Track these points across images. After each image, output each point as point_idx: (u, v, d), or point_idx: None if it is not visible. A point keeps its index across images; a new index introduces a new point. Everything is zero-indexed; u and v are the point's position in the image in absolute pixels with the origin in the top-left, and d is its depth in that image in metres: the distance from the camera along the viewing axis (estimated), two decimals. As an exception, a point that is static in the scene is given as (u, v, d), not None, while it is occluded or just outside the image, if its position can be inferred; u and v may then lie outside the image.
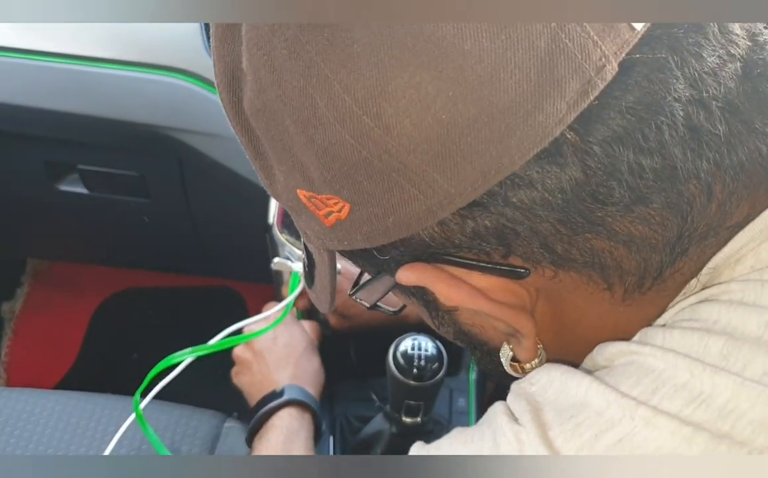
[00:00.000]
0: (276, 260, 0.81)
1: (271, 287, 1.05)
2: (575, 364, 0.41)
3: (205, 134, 0.91)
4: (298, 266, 0.79)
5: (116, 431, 0.77)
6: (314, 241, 0.40)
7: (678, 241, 0.35)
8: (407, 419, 0.81)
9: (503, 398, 0.42)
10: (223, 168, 0.92)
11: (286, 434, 0.77)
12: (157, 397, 0.74)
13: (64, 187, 1.09)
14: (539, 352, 0.41)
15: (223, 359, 0.83)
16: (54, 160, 1.06)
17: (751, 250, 0.36)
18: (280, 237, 0.80)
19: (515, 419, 0.38)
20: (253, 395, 0.82)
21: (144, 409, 0.74)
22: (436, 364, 0.77)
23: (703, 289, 0.37)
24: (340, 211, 0.36)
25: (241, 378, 0.86)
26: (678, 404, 0.33)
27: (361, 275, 0.46)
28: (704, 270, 0.37)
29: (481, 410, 1.00)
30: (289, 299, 0.78)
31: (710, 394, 0.32)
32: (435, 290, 0.37)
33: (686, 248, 0.35)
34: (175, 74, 0.89)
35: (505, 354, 0.42)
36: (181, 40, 0.90)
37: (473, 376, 1.02)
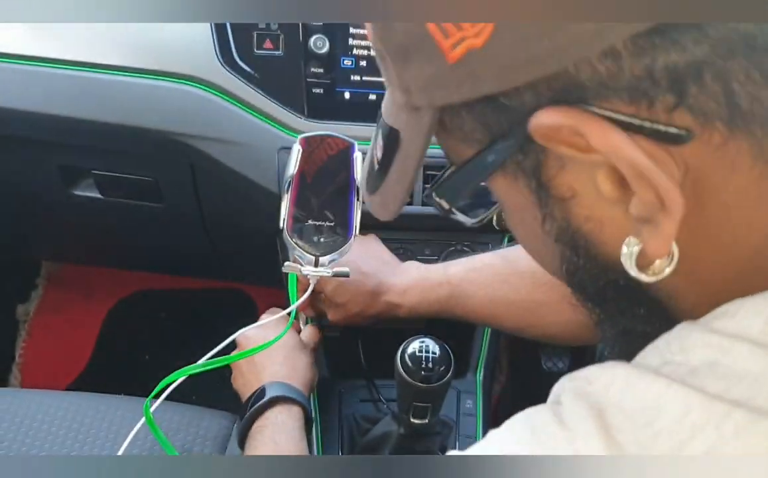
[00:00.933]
0: (286, 264, 0.82)
1: (281, 290, 1.07)
2: (698, 291, 0.36)
3: (217, 140, 0.92)
4: (308, 270, 0.80)
5: (128, 433, 0.78)
6: (418, 96, 0.35)
7: None
8: (415, 421, 0.82)
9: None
10: (235, 173, 0.93)
11: (271, 431, 0.77)
12: (168, 398, 0.76)
13: (78, 192, 1.10)
14: (672, 252, 0.34)
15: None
16: (69, 165, 1.07)
17: None
18: (291, 241, 0.81)
19: (566, 425, 0.33)
20: (245, 397, 0.83)
21: (155, 410, 0.75)
22: (444, 366, 0.78)
23: None
24: (477, 35, 0.30)
25: (235, 382, 0.87)
26: None
27: (443, 173, 0.40)
28: None
29: (489, 411, 1.01)
30: (297, 303, 0.79)
31: None
32: (586, 132, 0.30)
33: None
34: (189, 82, 0.91)
35: (630, 251, 0.34)
36: (194, 49, 0.91)
37: (480, 377, 1.03)
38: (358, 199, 0.82)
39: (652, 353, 0.35)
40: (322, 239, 0.81)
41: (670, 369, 0.32)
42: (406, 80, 0.36)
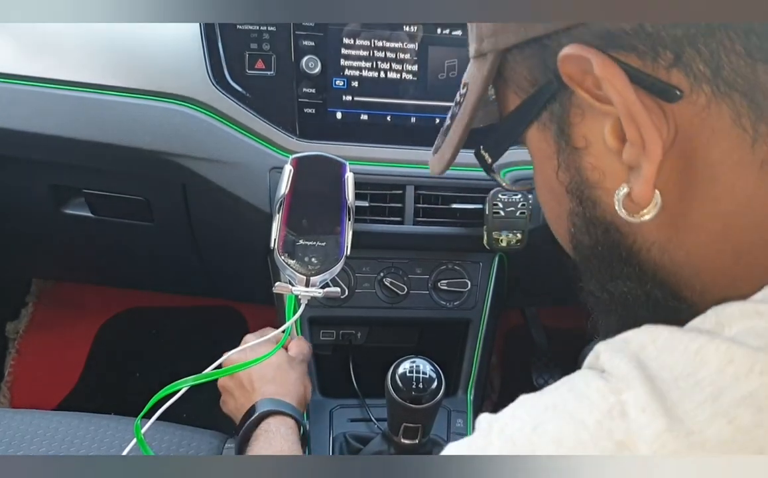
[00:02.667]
0: (277, 283, 0.82)
1: (271, 308, 1.07)
2: (688, 243, 0.40)
3: (209, 160, 0.92)
4: (298, 290, 0.80)
5: (119, 453, 0.78)
6: (486, 42, 0.43)
7: None
8: (405, 441, 0.82)
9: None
10: (226, 193, 0.94)
11: (265, 438, 0.78)
12: (158, 419, 0.75)
13: (69, 211, 1.10)
14: (656, 200, 0.39)
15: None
16: (60, 184, 1.07)
17: None
18: (282, 261, 0.81)
19: (610, 377, 0.34)
20: (238, 419, 0.83)
21: (146, 431, 0.75)
22: (434, 386, 0.78)
23: None
24: None
25: (227, 406, 0.88)
26: None
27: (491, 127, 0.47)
28: None
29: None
30: (288, 323, 0.79)
31: None
32: (595, 63, 0.36)
33: None
34: (181, 102, 0.91)
35: (620, 194, 0.40)
36: (186, 69, 0.92)
37: (471, 397, 1.03)
38: (349, 219, 0.83)
39: (694, 322, 0.37)
40: (313, 259, 0.81)
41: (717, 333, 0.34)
42: (481, 30, 0.44)
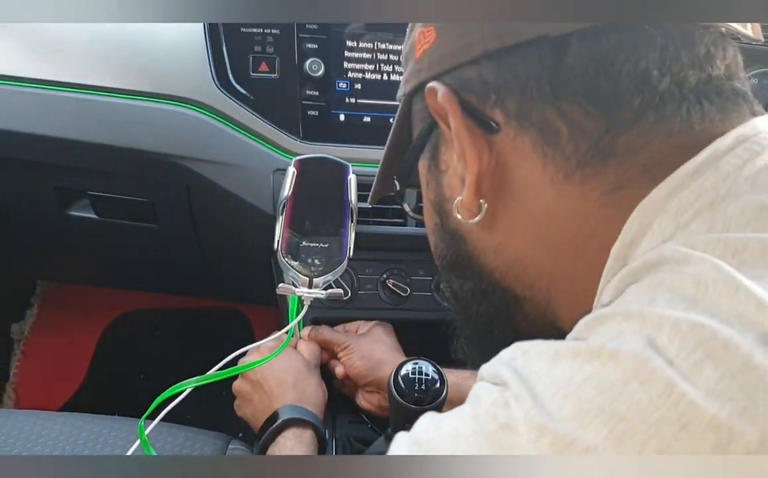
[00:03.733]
0: (281, 285, 0.82)
1: (275, 310, 1.07)
2: (517, 250, 0.48)
3: (212, 162, 0.93)
4: (301, 291, 0.81)
5: (122, 454, 0.78)
6: (402, 88, 0.54)
7: (603, 136, 0.43)
8: (408, 443, 0.82)
9: None
10: (229, 195, 0.94)
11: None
12: (162, 419, 0.76)
13: (74, 212, 1.10)
14: (482, 208, 0.48)
15: (226, 381, 0.84)
16: (64, 186, 1.07)
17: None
18: (285, 262, 0.81)
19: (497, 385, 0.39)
20: (257, 425, 0.84)
21: (150, 432, 0.75)
22: (437, 387, 0.79)
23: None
24: (428, 41, 0.49)
25: (244, 410, 0.88)
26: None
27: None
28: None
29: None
30: (291, 325, 0.80)
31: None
32: (440, 93, 0.47)
33: (609, 151, 0.43)
34: (184, 104, 0.92)
35: (456, 202, 0.50)
36: (190, 71, 0.92)
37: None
38: (352, 221, 0.83)
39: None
40: (316, 261, 0.82)
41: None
42: (404, 78, 0.54)
